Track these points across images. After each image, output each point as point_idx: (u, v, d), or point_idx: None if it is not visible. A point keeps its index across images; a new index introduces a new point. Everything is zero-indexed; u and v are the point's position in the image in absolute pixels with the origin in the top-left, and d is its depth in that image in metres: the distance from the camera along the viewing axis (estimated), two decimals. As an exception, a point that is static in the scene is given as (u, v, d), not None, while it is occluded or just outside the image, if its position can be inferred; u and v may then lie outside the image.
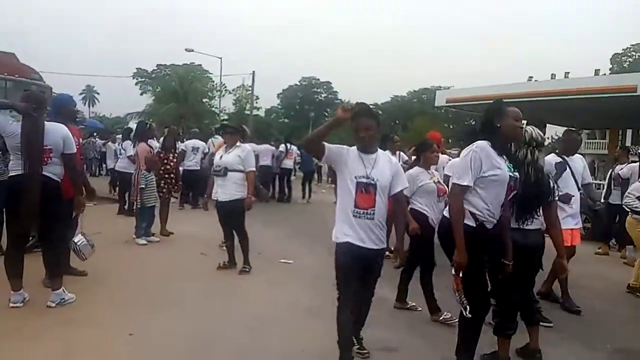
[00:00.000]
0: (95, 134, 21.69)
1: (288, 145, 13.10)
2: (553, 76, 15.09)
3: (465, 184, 2.99)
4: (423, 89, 52.94)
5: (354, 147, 3.12)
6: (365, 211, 3.02)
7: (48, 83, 11.38)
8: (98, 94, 72.51)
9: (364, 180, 3.01)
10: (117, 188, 10.39)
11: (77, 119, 8.33)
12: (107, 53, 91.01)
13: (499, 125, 3.07)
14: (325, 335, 3.35)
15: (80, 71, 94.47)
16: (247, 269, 5.63)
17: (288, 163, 13.16)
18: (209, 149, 10.49)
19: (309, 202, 13.24)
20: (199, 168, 10.09)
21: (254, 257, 5.77)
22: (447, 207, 3.20)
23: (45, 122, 4.13)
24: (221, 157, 5.62)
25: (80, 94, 67.71)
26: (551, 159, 4.70)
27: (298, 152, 13.41)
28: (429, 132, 9.02)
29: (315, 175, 16.57)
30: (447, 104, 16.86)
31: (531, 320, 3.60)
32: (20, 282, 4.11)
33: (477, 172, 2.98)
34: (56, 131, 4.13)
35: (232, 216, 5.60)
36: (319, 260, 5.99)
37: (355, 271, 3.10)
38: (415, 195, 4.43)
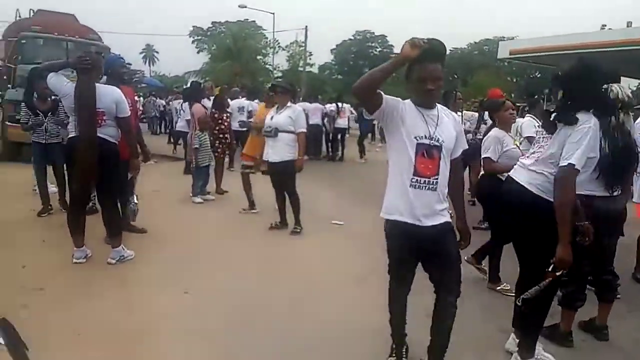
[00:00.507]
0: (153, 92, 22.28)
1: (340, 104, 12.89)
2: (629, 24, 13.63)
3: (580, 168, 2.59)
4: (485, 39, 50.05)
5: (409, 101, 2.53)
6: (427, 180, 2.45)
7: (107, 43, 11.69)
8: (157, 52, 74.20)
9: (427, 141, 2.44)
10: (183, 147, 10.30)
11: (136, 79, 8.52)
12: (166, 11, 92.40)
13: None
14: (373, 308, 3.16)
15: (140, 30, 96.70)
16: (298, 230, 5.65)
17: (341, 122, 13.00)
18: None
19: (366, 160, 13.06)
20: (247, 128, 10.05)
21: (305, 217, 5.77)
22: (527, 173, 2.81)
23: (98, 85, 4.17)
24: (272, 117, 5.56)
25: (140, 52, 69.67)
26: None
27: (352, 109, 13.08)
28: (489, 87, 8.52)
29: (369, 134, 16.22)
30: (511, 56, 15.86)
31: (607, 297, 3.33)
32: (83, 239, 4.30)
33: (589, 153, 2.63)
34: (108, 94, 4.17)
35: (283, 177, 5.60)
36: (371, 222, 5.83)
37: (410, 255, 2.59)
38: (498, 159, 4.10)
